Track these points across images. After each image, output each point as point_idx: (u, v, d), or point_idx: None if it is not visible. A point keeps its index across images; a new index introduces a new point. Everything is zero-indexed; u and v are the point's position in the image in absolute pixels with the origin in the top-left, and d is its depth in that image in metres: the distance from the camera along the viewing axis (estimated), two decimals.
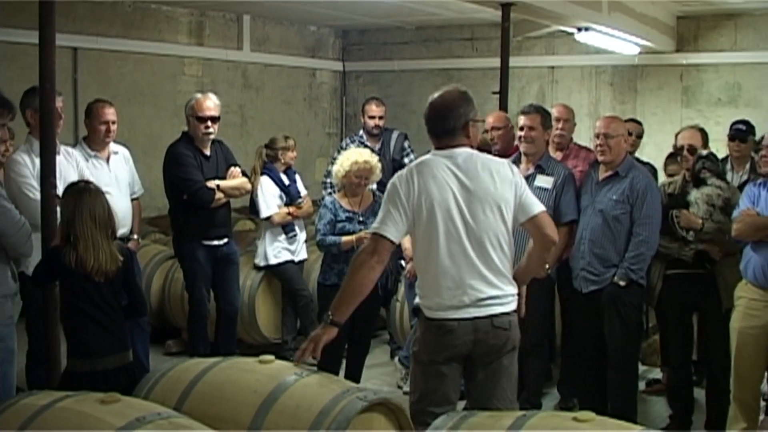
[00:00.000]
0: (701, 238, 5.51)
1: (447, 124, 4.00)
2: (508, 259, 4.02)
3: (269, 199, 7.09)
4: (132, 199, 6.54)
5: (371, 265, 3.91)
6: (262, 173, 7.13)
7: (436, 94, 4.09)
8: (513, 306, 4.04)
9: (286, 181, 7.22)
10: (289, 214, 7.14)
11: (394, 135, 8.14)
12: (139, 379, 4.20)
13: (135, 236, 6.56)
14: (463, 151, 4.00)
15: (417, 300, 4.13)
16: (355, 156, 6.06)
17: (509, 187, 3.99)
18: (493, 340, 3.95)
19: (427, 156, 4.07)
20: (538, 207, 4.08)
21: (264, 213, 7.10)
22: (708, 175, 5.57)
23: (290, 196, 7.15)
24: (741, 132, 6.57)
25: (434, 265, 3.91)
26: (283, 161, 7.24)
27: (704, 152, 5.69)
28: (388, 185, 4.01)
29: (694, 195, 5.60)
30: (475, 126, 4.12)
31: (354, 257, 4.05)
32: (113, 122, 6.31)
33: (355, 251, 5.85)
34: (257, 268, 7.37)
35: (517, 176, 4.07)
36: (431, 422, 3.78)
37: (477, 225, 3.89)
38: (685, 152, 5.78)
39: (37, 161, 5.35)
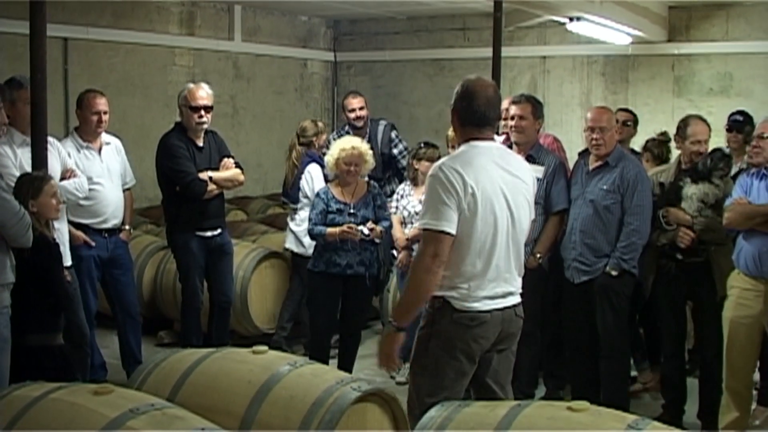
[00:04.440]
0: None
1: (494, 114, 3.99)
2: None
3: (319, 187, 7.04)
4: (124, 190, 6.52)
5: (435, 270, 3.77)
6: (307, 161, 7.10)
7: (474, 83, 3.98)
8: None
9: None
10: None
11: (381, 127, 8.07)
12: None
13: (127, 227, 6.55)
14: (499, 144, 4.05)
15: (440, 292, 3.91)
16: (343, 143, 6.09)
17: (532, 183, 4.08)
18: (514, 328, 4.04)
19: (466, 148, 3.93)
20: (533, 214, 4.14)
21: None
22: (722, 172, 5.56)
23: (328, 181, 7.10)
24: (738, 123, 6.59)
25: (484, 258, 3.85)
26: (317, 146, 7.27)
27: (726, 149, 5.68)
28: (433, 179, 3.82)
29: (691, 190, 5.58)
30: None
31: (415, 261, 3.93)
32: (105, 113, 6.28)
33: (340, 241, 5.91)
34: (293, 254, 7.33)
35: (532, 173, 4.18)
36: None
37: (519, 219, 3.93)
38: (701, 149, 5.70)
39: (19, 152, 5.34)
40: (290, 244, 7.34)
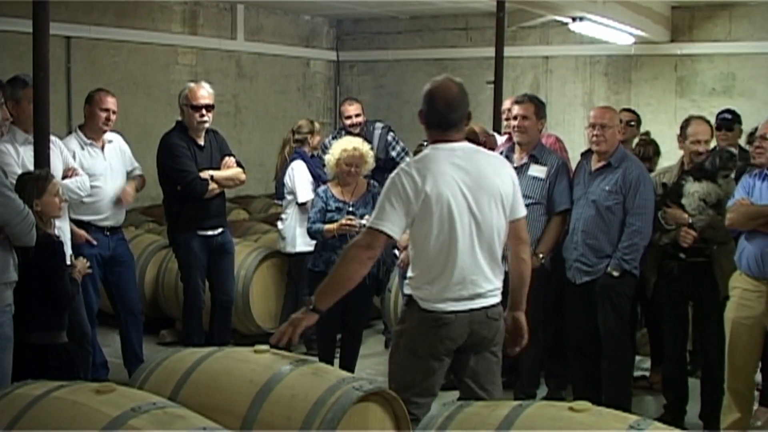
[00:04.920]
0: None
1: (457, 116, 3.94)
2: (501, 253, 4.04)
3: (306, 184, 7.08)
4: (135, 176, 6.52)
5: (363, 259, 3.86)
6: (294, 158, 7.13)
7: (437, 85, 3.99)
8: (499, 297, 4.05)
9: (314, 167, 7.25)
10: None
11: (377, 132, 8.05)
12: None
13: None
14: (464, 145, 3.97)
15: (408, 290, 4.08)
16: (345, 144, 6.09)
17: (509, 183, 4.01)
18: (486, 331, 3.97)
19: (428, 151, 3.97)
20: (524, 210, 4.14)
21: (302, 197, 7.08)
22: (723, 173, 5.55)
23: (320, 181, 7.12)
24: (727, 121, 6.61)
25: (444, 261, 3.86)
26: (311, 145, 7.29)
27: (734, 150, 5.68)
28: (390, 180, 3.90)
29: (692, 188, 5.57)
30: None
31: (346, 249, 3.98)
32: (114, 112, 6.28)
33: (339, 239, 5.91)
34: (286, 254, 7.34)
35: (514, 174, 4.10)
36: (413, 412, 3.84)
37: (483, 220, 3.88)
38: (701, 148, 5.70)
39: (21, 150, 5.34)
40: (279, 242, 7.38)
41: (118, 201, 6.31)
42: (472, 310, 3.91)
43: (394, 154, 7.98)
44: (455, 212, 3.82)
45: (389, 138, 8.12)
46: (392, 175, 3.93)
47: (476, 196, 3.87)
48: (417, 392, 3.94)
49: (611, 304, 5.57)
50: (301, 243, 7.11)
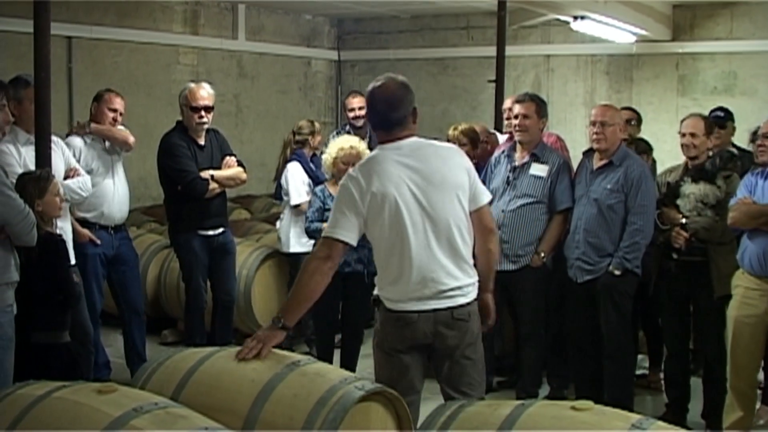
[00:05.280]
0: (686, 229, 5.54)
1: (398, 115, 3.89)
2: (468, 247, 3.96)
3: (300, 186, 7.08)
4: None
5: (324, 271, 3.84)
6: (291, 159, 7.14)
7: (377, 85, 3.94)
8: (473, 295, 3.98)
9: (313, 168, 7.25)
10: None
11: None
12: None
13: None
14: (412, 141, 3.93)
15: (376, 291, 4.06)
16: (341, 143, 6.09)
17: (463, 173, 3.95)
18: (453, 332, 3.91)
19: (375, 152, 3.97)
20: (486, 197, 4.09)
21: (295, 200, 7.08)
22: (723, 174, 5.54)
23: (318, 183, 7.12)
24: (719, 119, 6.62)
25: (395, 262, 3.85)
26: (311, 146, 7.29)
27: (735, 151, 5.68)
28: (339, 187, 3.93)
29: (690, 189, 5.59)
30: (417, 112, 4.03)
31: (306, 262, 3.97)
32: (121, 114, 6.30)
33: None
34: (283, 254, 7.35)
35: (467, 162, 4.03)
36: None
37: (437, 214, 3.83)
38: (686, 141, 5.74)
39: (23, 150, 5.34)
40: (283, 245, 7.38)
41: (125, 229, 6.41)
42: (436, 309, 3.86)
43: None
44: (404, 210, 3.79)
45: None
46: (341, 181, 3.95)
47: (427, 191, 3.82)
48: (399, 391, 3.88)
49: (613, 303, 5.57)
50: (295, 244, 7.12)
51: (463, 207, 3.93)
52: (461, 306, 3.91)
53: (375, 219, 3.82)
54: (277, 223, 7.53)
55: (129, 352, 6.51)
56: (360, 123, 7.89)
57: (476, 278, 4.01)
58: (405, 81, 3.98)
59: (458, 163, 3.96)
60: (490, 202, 5.91)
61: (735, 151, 5.71)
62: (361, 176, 3.84)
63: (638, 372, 6.52)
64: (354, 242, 3.88)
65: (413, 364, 3.97)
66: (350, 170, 3.99)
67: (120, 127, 6.41)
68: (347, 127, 8.04)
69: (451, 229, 3.86)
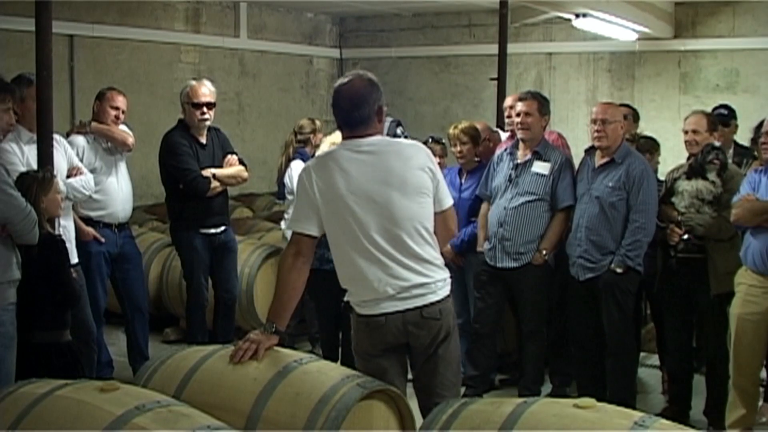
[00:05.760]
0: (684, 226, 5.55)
1: (362, 114, 3.80)
2: (432, 245, 3.87)
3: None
4: None
5: (297, 266, 3.85)
6: (294, 158, 7.13)
7: (343, 82, 3.87)
8: (445, 292, 3.90)
9: None
10: None
11: (386, 123, 8.09)
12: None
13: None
14: (374, 140, 3.85)
15: (347, 296, 3.99)
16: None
17: (425, 174, 3.85)
18: (425, 331, 3.85)
19: (333, 148, 3.94)
20: (449, 200, 4.03)
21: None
22: (715, 166, 5.54)
23: None
24: (723, 116, 6.62)
25: (351, 261, 3.80)
26: (314, 144, 7.29)
27: (717, 143, 5.67)
28: (297, 180, 3.90)
29: (684, 186, 5.60)
30: (384, 111, 3.93)
31: (280, 261, 3.97)
32: (123, 111, 6.30)
33: None
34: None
35: (432, 163, 3.91)
36: None
37: (393, 214, 3.75)
38: (689, 138, 5.75)
39: (26, 149, 5.34)
40: (282, 240, 7.39)
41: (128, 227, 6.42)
42: (406, 310, 3.80)
43: None
44: (354, 208, 3.74)
45: (398, 131, 8.14)
46: (299, 174, 3.92)
47: (382, 191, 3.75)
48: None
49: (615, 300, 5.57)
50: None
51: (424, 207, 3.84)
52: (432, 304, 3.84)
53: (327, 214, 3.79)
54: (282, 223, 7.51)
55: (132, 351, 6.52)
56: None
57: (446, 274, 3.94)
58: (372, 79, 3.89)
59: (421, 164, 3.85)
60: (492, 200, 6.00)
61: (717, 143, 5.69)
62: (314, 170, 3.82)
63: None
64: (316, 233, 3.84)
65: (391, 366, 3.91)
66: (307, 163, 3.97)
67: (122, 126, 6.41)
68: None
69: (410, 229, 3.78)
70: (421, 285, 3.81)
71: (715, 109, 6.75)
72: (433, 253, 3.87)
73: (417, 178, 3.82)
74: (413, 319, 3.81)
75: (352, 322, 3.99)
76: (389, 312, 3.79)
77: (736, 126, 6.86)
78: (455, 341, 3.98)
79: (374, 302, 3.80)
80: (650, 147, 6.45)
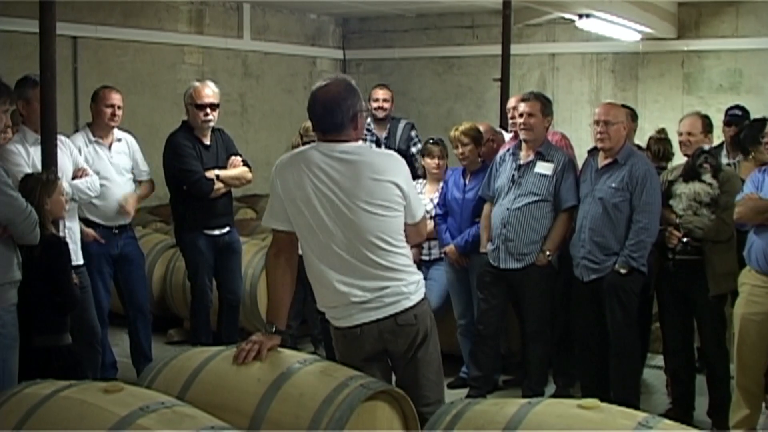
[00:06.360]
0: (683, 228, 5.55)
1: (335, 119, 3.75)
2: (401, 252, 3.82)
3: None
4: (141, 181, 6.53)
5: (280, 264, 3.88)
6: None
7: (320, 85, 3.82)
8: (418, 296, 3.86)
9: None
10: None
11: (401, 124, 8.18)
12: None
13: (129, 205, 6.38)
14: (349, 146, 3.79)
15: (318, 305, 3.99)
16: None
17: (394, 186, 3.78)
18: (402, 338, 3.83)
19: (307, 148, 3.88)
20: (421, 212, 3.99)
21: None
22: (706, 169, 5.55)
23: None
24: (737, 117, 6.61)
25: (314, 264, 3.80)
26: None
27: (706, 147, 5.68)
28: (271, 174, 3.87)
29: (681, 189, 5.60)
30: (362, 117, 3.89)
31: (265, 262, 4.02)
32: (119, 107, 6.29)
33: None
34: None
35: (406, 174, 3.86)
36: None
37: (356, 225, 3.71)
38: (683, 138, 5.78)
39: (31, 150, 5.35)
40: None
41: (121, 209, 6.30)
42: (379, 320, 3.77)
43: (414, 150, 8.02)
44: (308, 215, 3.73)
45: (412, 134, 8.21)
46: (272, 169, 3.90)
47: (347, 200, 3.70)
48: None
49: (619, 301, 5.56)
50: None
51: (390, 219, 3.78)
52: (406, 310, 3.80)
53: (293, 213, 3.79)
54: None
55: (134, 352, 6.53)
56: (381, 114, 8.05)
57: (417, 277, 3.90)
58: (351, 84, 3.83)
59: (392, 176, 3.78)
60: (495, 201, 6.00)
61: (706, 147, 5.70)
62: (285, 168, 3.81)
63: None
64: (290, 229, 3.83)
65: (374, 374, 3.87)
66: (279, 159, 3.91)
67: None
68: (368, 120, 8.07)
69: (373, 240, 3.73)
70: (392, 292, 3.78)
71: (729, 109, 6.74)
72: (400, 261, 3.82)
73: (385, 190, 3.76)
74: (388, 327, 3.79)
75: (332, 334, 3.98)
76: (364, 323, 3.78)
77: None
78: (434, 342, 3.97)
79: (345, 309, 3.78)
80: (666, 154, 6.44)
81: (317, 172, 3.74)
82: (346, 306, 3.78)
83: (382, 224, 3.76)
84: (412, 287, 3.85)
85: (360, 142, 3.92)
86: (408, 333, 3.83)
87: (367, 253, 3.73)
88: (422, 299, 3.89)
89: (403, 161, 3.94)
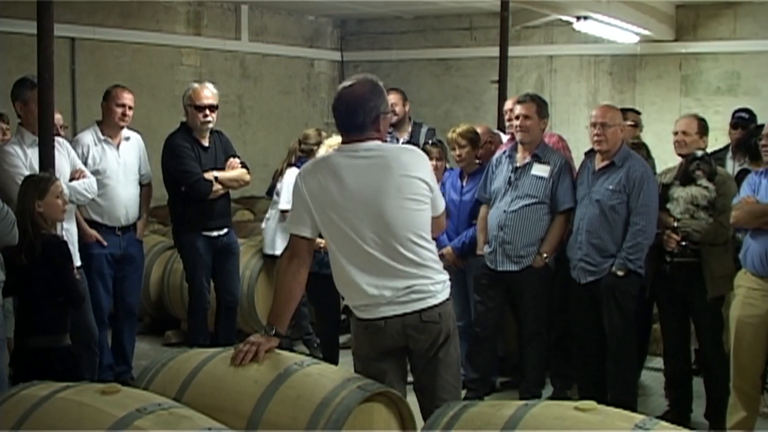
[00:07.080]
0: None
1: (357, 119, 3.76)
2: (429, 249, 3.84)
3: (290, 194, 7.07)
4: (142, 185, 6.54)
5: (293, 269, 3.86)
6: (294, 165, 7.12)
7: (345, 85, 3.83)
8: (444, 295, 3.87)
9: None
10: None
11: (423, 130, 8.10)
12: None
13: (139, 223, 6.52)
14: (371, 145, 3.80)
15: (344, 300, 4.01)
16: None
17: (420, 181, 3.81)
18: (425, 335, 3.83)
19: (330, 152, 3.92)
20: (443, 205, 4.04)
21: (284, 205, 7.06)
22: (699, 175, 5.56)
23: None
24: (743, 120, 6.61)
25: (345, 267, 3.80)
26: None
27: (699, 153, 5.69)
28: (294, 181, 3.89)
29: (678, 192, 5.61)
30: (386, 119, 3.90)
31: (277, 265, 4.02)
32: (130, 108, 6.31)
33: None
34: (265, 255, 7.35)
35: (428, 169, 3.91)
36: None
37: (385, 222, 3.72)
38: (678, 138, 5.78)
39: (29, 152, 5.35)
40: (267, 247, 7.40)
41: (134, 229, 6.42)
42: (405, 314, 3.78)
43: None
44: (339, 215, 3.74)
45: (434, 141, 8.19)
46: (296, 175, 3.93)
47: (375, 198, 3.72)
48: None
49: (616, 303, 5.57)
50: (280, 247, 7.10)
51: (419, 213, 3.81)
52: (431, 307, 3.82)
53: (321, 219, 3.79)
54: (263, 223, 7.50)
55: (115, 352, 6.49)
56: (393, 119, 7.95)
57: (445, 277, 3.92)
58: (376, 85, 3.85)
59: (417, 170, 3.82)
60: (491, 203, 6.00)
61: (699, 153, 5.70)
62: (309, 174, 3.82)
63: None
64: (310, 236, 3.85)
65: (390, 370, 3.90)
66: (303, 166, 3.96)
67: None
68: None
69: (404, 236, 3.74)
70: (419, 289, 3.79)
71: (736, 111, 6.74)
72: (431, 256, 3.85)
73: (412, 184, 3.79)
74: (413, 322, 3.79)
75: (352, 325, 3.99)
76: (388, 316, 3.78)
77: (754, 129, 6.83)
78: (455, 344, 3.97)
79: (373, 306, 3.79)
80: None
81: (343, 174, 3.75)
82: (372, 301, 3.79)
83: (414, 217, 3.78)
84: (438, 286, 3.86)
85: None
86: (431, 330, 3.83)
87: (399, 248, 3.74)
88: (447, 299, 3.90)
89: (424, 155, 4.00)
